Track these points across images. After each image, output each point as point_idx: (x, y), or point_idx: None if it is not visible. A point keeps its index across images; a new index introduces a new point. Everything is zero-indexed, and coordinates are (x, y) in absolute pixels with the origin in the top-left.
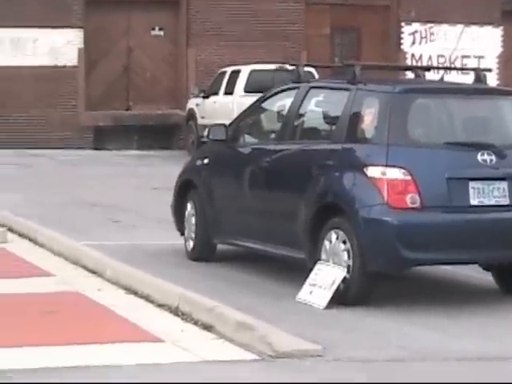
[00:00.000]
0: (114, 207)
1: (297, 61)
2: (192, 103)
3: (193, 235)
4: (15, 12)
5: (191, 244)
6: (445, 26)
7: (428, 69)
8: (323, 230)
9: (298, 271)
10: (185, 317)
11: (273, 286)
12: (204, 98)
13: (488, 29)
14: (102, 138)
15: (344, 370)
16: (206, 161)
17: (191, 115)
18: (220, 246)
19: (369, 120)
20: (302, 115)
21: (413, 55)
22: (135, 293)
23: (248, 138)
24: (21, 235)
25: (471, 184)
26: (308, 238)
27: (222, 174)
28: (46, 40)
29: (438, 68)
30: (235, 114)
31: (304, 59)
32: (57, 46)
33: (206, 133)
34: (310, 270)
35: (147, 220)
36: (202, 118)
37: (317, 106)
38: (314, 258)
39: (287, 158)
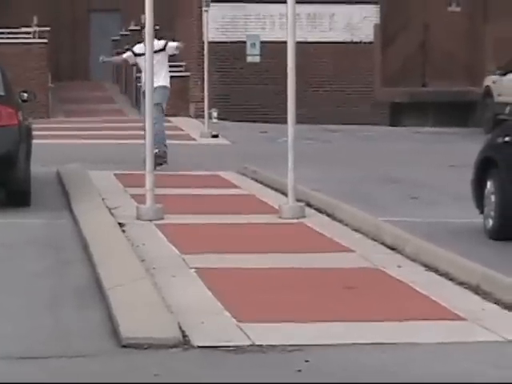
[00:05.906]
0: (412, 183)
1: None
2: (489, 80)
3: (492, 214)
4: None
5: (490, 222)
6: None
7: None
8: None
9: None
10: (485, 296)
11: None
12: (502, 75)
13: None
14: (398, 115)
15: None
16: (507, 139)
17: (488, 92)
18: None
19: None
20: None
21: None
22: (435, 270)
23: None
24: (318, 210)
25: None
26: None
27: None
28: (343, 15)
29: None
30: None
31: None
32: (353, 22)
33: (507, 111)
34: None
35: (446, 197)
36: (499, 95)
37: None
38: None
39: None
